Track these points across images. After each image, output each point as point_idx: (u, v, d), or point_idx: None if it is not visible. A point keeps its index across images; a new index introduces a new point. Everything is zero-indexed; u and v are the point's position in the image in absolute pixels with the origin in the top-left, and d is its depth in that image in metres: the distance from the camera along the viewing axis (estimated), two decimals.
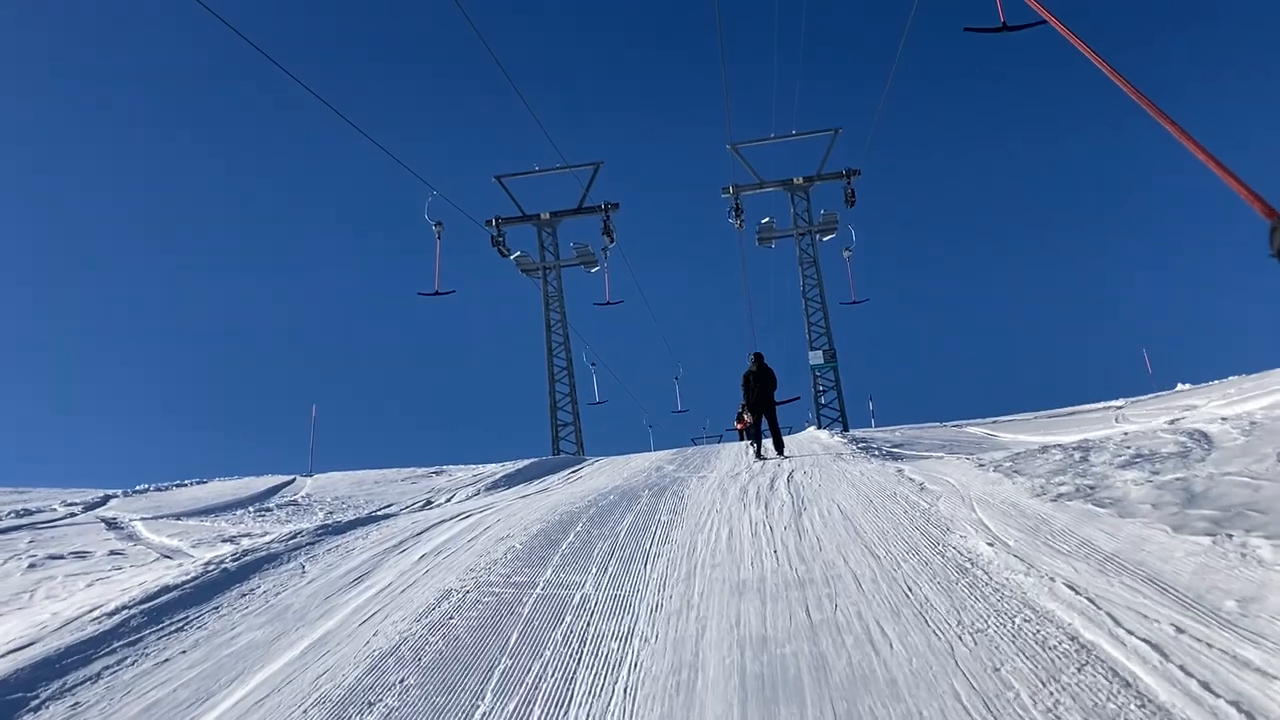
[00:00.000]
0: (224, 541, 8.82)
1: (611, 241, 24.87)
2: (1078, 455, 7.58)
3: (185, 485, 15.28)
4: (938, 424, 30.82)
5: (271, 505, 12.80)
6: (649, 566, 5.79)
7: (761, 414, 15.93)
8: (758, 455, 15.66)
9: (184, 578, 6.46)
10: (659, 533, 6.88)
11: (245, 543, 8.20)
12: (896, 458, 12.90)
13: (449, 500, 12.84)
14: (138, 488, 14.62)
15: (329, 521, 9.06)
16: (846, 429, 23.67)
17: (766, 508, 7.50)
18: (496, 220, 25.39)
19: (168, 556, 8.21)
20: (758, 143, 26.27)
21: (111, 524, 10.88)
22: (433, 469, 18.10)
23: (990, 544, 5.11)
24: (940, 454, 14.42)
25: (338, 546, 7.83)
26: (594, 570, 5.84)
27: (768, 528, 6.58)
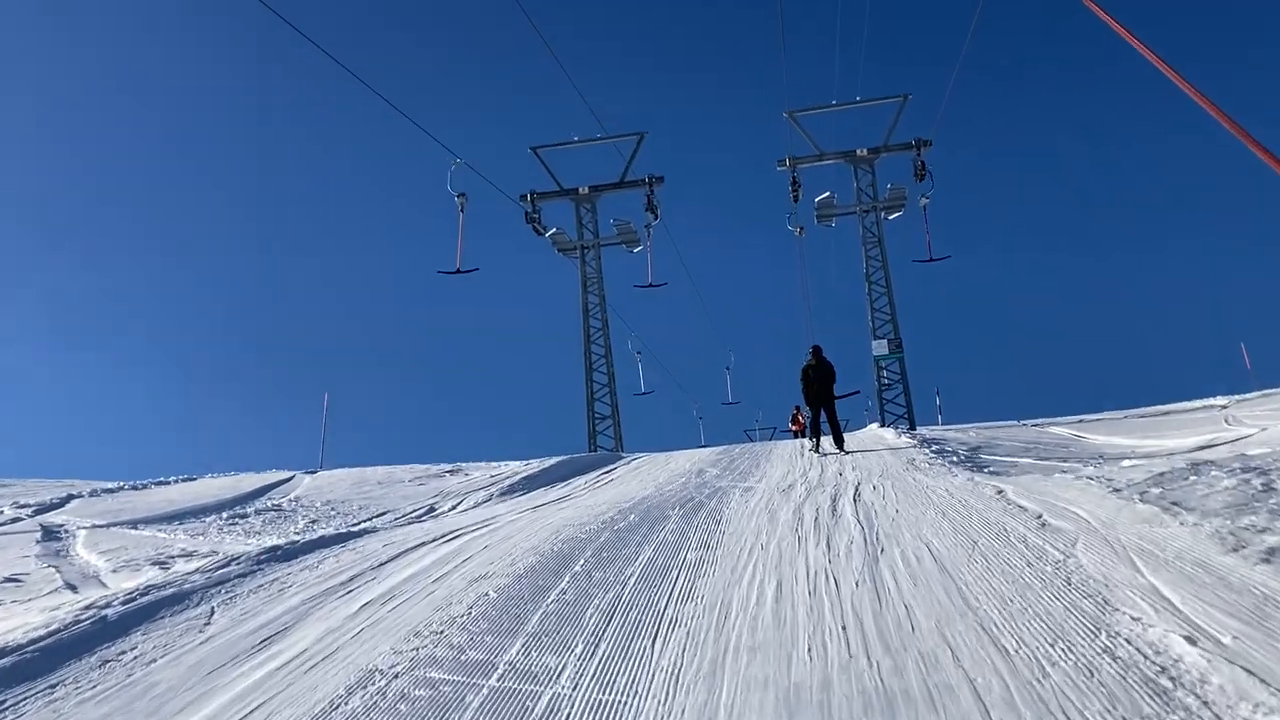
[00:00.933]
0: (155, 566, 7.29)
1: (655, 218, 23.13)
2: (1257, 481, 5.66)
3: (168, 483, 13.94)
4: (1012, 423, 28.65)
5: (250, 511, 11.32)
6: (658, 646, 4.06)
7: (820, 408, 15.82)
8: (816, 450, 15.27)
9: (40, 632, 4.88)
10: (681, 581, 5.15)
11: (165, 572, 6.64)
12: (981, 467, 10.99)
13: (453, 509, 11.24)
14: (110, 486, 13.29)
15: (282, 543, 7.49)
16: (913, 427, 21.67)
17: (829, 544, 5.71)
18: (532, 195, 23.78)
19: (71, 587, 6.69)
20: (818, 110, 24.30)
21: (51, 533, 9.46)
22: (449, 467, 16.56)
23: (1190, 639, 3.29)
24: (1027, 459, 12.53)
25: (274, 581, 6.23)
26: (579, 648, 4.12)
27: (831, 581, 4.80)
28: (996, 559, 4.83)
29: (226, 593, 5.89)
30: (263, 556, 6.90)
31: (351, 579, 6.15)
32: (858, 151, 23.17)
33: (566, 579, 5.44)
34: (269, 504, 12.02)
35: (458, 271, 18.53)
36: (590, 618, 4.56)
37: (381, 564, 6.62)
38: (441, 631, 4.59)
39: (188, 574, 6.26)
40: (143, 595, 5.65)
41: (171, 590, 5.84)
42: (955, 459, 12.19)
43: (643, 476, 13.66)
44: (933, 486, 8.22)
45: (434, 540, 7.59)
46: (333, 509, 11.64)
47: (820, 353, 16.18)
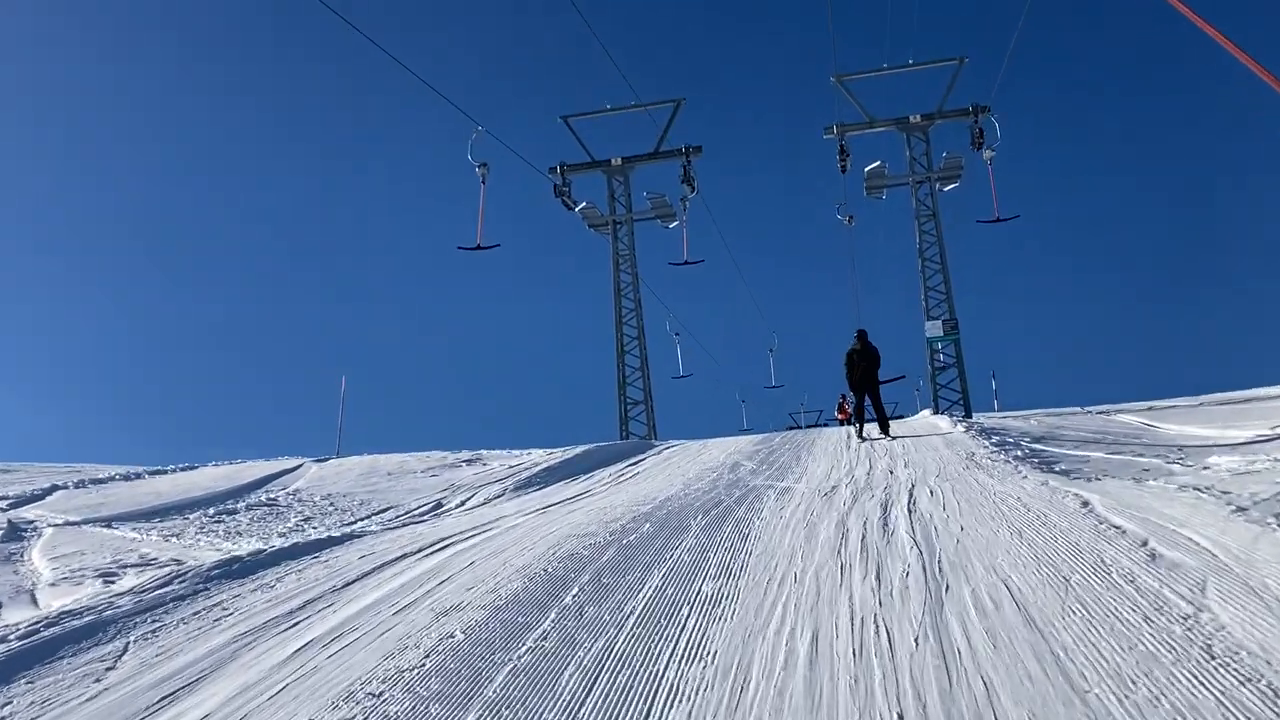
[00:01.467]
0: (100, 578, 6.43)
1: (693, 191, 21.98)
2: None
3: (164, 472, 13.23)
4: (1075, 409, 27.27)
5: (240, 506, 10.50)
6: None
7: (865, 393, 15.87)
8: (860, 435, 15.32)
9: None
10: (692, 625, 4.13)
11: (94, 592, 5.77)
12: (1051, 464, 9.82)
13: (460, 506, 10.33)
14: (101, 476, 12.59)
15: (244, 554, 6.60)
16: (969, 414, 20.40)
17: (879, 577, 4.65)
18: (561, 167, 22.77)
19: None
20: (868, 75, 22.90)
21: (16, 531, 8.69)
22: (468, 456, 15.70)
23: None
24: (1097, 452, 11.33)
25: (214, 607, 5.32)
26: None
27: (883, 634, 3.75)
28: (1100, 609, 3.74)
29: (152, 623, 4.99)
30: (214, 572, 6.01)
31: (304, 605, 5.22)
32: (911, 118, 21.82)
33: (551, 616, 4.45)
34: (264, 498, 11.20)
35: (478, 248, 17.59)
36: (568, 681, 3.56)
37: (347, 584, 5.69)
38: (380, 694, 3.62)
39: (116, 596, 5.38)
40: (49, 626, 4.77)
41: (88, 619, 4.95)
42: (1019, 453, 11.04)
43: (671, 470, 12.65)
44: (1001, 493, 7.10)
45: (418, 552, 6.65)
46: (331, 504, 10.79)
47: (865, 337, 16.18)
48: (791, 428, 69.24)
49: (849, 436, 16.26)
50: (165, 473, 13.41)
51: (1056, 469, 9.36)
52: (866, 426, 15.67)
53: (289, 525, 9.29)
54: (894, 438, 15.17)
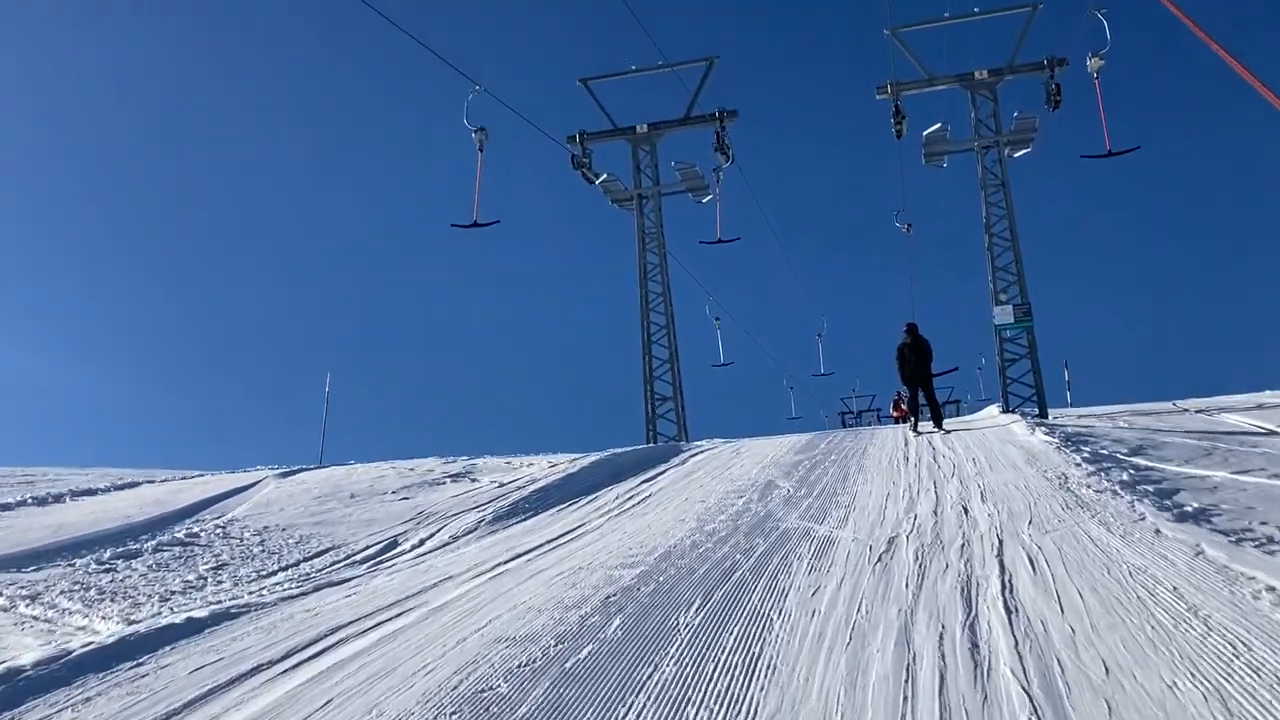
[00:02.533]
0: None
1: (727, 161, 19.77)
2: None
3: (93, 493, 11.45)
4: (1164, 405, 24.73)
5: (148, 547, 8.62)
6: None
7: (917, 388, 15.97)
8: (914, 430, 15.40)
9: None
10: None
11: None
12: (1173, 496, 7.60)
13: (414, 550, 8.36)
14: (7, 501, 10.82)
15: (26, 664, 4.66)
16: (1043, 413, 18.03)
17: None
18: (581, 135, 20.67)
19: None
20: (927, 25, 20.41)
21: None
22: (459, 468, 13.77)
23: None
24: (1220, 472, 9.11)
25: None
26: None
27: None
28: None
29: None
30: None
31: None
32: (976, 74, 19.34)
33: None
34: (184, 533, 9.32)
35: (474, 225, 15.56)
36: None
37: None
38: None
39: None
40: None
41: None
42: (1125, 476, 8.80)
43: (689, 493, 10.57)
44: (1137, 568, 4.93)
45: (284, 659, 4.66)
46: (262, 543, 8.87)
47: (916, 330, 15.98)
48: (844, 413, 66.56)
49: (906, 442, 14.07)
50: (95, 493, 11.64)
51: (1188, 509, 7.14)
52: (921, 423, 15.58)
53: (188, 579, 7.39)
54: (948, 432, 15.21)
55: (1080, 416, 17.94)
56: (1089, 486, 8.41)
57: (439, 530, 9.13)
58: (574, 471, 12.50)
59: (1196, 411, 17.41)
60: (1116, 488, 8.31)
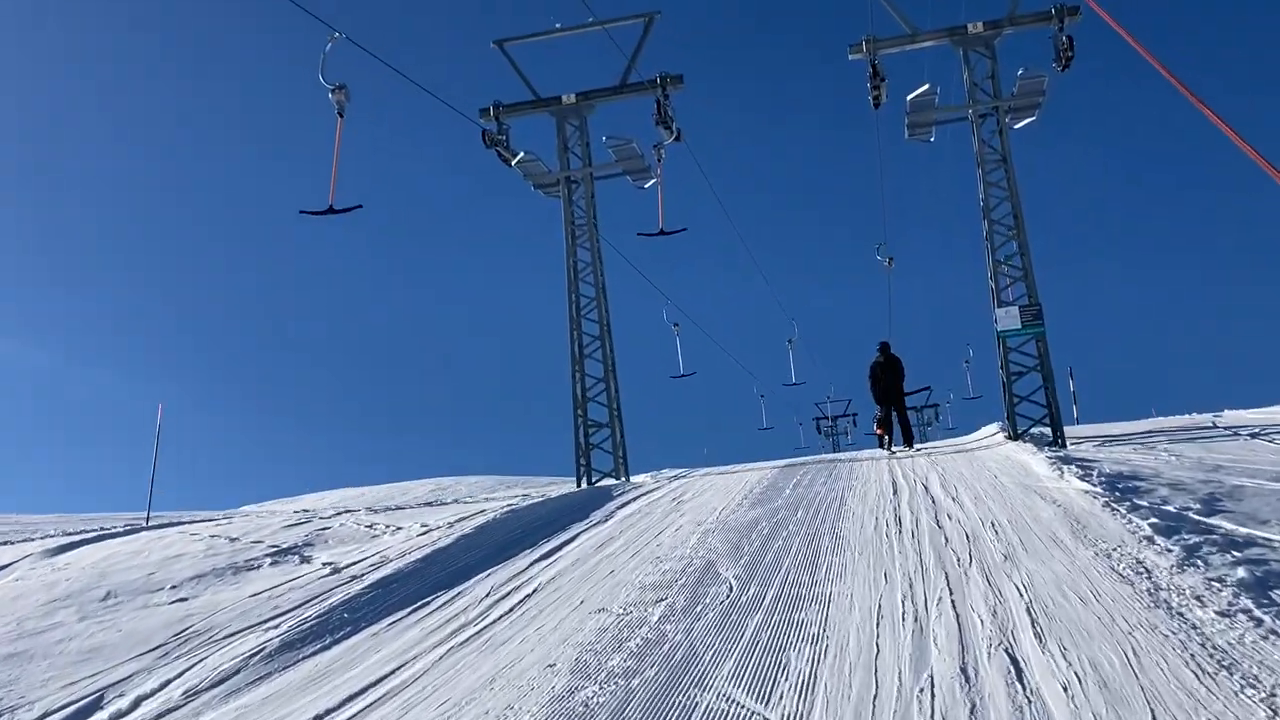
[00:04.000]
0: None
1: (672, 136, 16.73)
2: None
3: None
4: (1182, 417, 22.00)
5: None
6: None
7: (890, 406, 16.34)
8: (888, 449, 16.03)
9: None
10: None
11: None
12: None
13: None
14: None
15: None
16: (1060, 441, 15.12)
17: None
18: (496, 108, 17.55)
19: None
20: None
21: None
22: (294, 535, 10.60)
23: None
24: None
25: None
26: None
27: None
28: None
29: None
30: None
31: None
32: (969, 27, 16.44)
33: None
34: None
35: (330, 211, 12.38)
36: None
37: None
38: None
39: None
40: None
41: None
42: (1243, 575, 5.87)
43: (592, 587, 7.49)
44: None
45: None
46: None
47: (888, 349, 16.47)
48: (819, 419, 63.49)
49: (895, 488, 11.13)
50: None
51: None
52: (896, 447, 16.09)
53: None
54: (920, 451, 16.11)
55: (1103, 441, 15.09)
56: (1198, 597, 5.42)
57: (181, 674, 5.99)
58: (446, 544, 9.39)
59: (1249, 435, 14.60)
60: (1243, 597, 5.38)
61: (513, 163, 17.16)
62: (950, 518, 8.85)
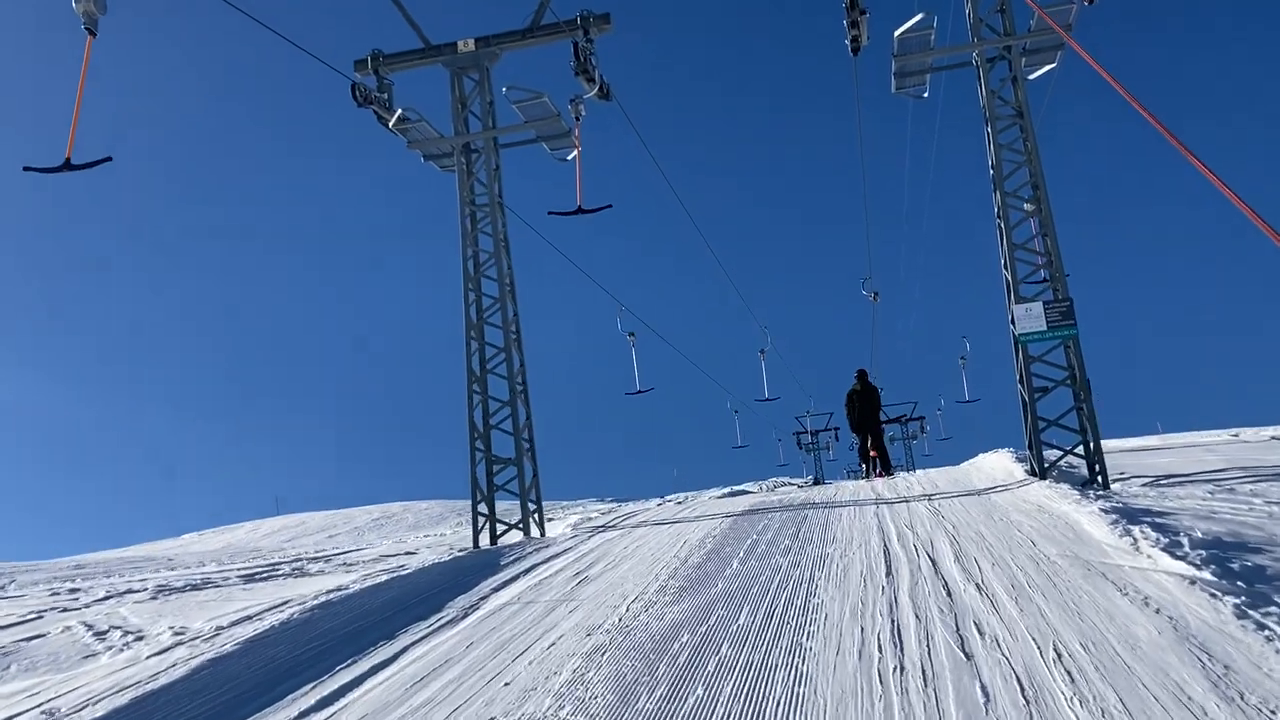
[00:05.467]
0: None
1: (594, 89, 13.37)
2: None
3: None
4: (1222, 432, 18.96)
5: None
6: None
7: (867, 434, 17.10)
8: (867, 477, 16.43)
9: None
10: None
11: None
12: None
13: None
14: None
15: None
16: (1102, 479, 11.82)
17: None
18: (374, 58, 14.17)
19: None
20: None
21: None
22: (104, 610, 7.16)
23: None
24: None
25: None
26: None
27: None
28: None
29: None
30: None
31: None
32: None
33: None
34: None
35: (67, 167, 8.98)
36: None
37: None
38: None
39: None
40: None
41: None
42: None
43: None
44: None
45: None
46: None
47: (865, 377, 17.17)
48: (799, 434, 59.77)
49: (889, 569, 7.78)
50: None
51: None
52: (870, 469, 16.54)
53: None
54: (892, 477, 16.35)
55: (1155, 481, 11.81)
56: None
57: None
58: (170, 681, 5.93)
59: None
60: None
61: (390, 123, 13.71)
62: (983, 634, 5.52)
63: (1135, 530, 7.58)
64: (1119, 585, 6.23)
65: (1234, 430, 18.71)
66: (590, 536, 11.90)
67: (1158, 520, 8.05)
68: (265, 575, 11.08)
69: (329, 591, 8.50)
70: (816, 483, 62.02)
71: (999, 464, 14.15)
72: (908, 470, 55.31)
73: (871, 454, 17.93)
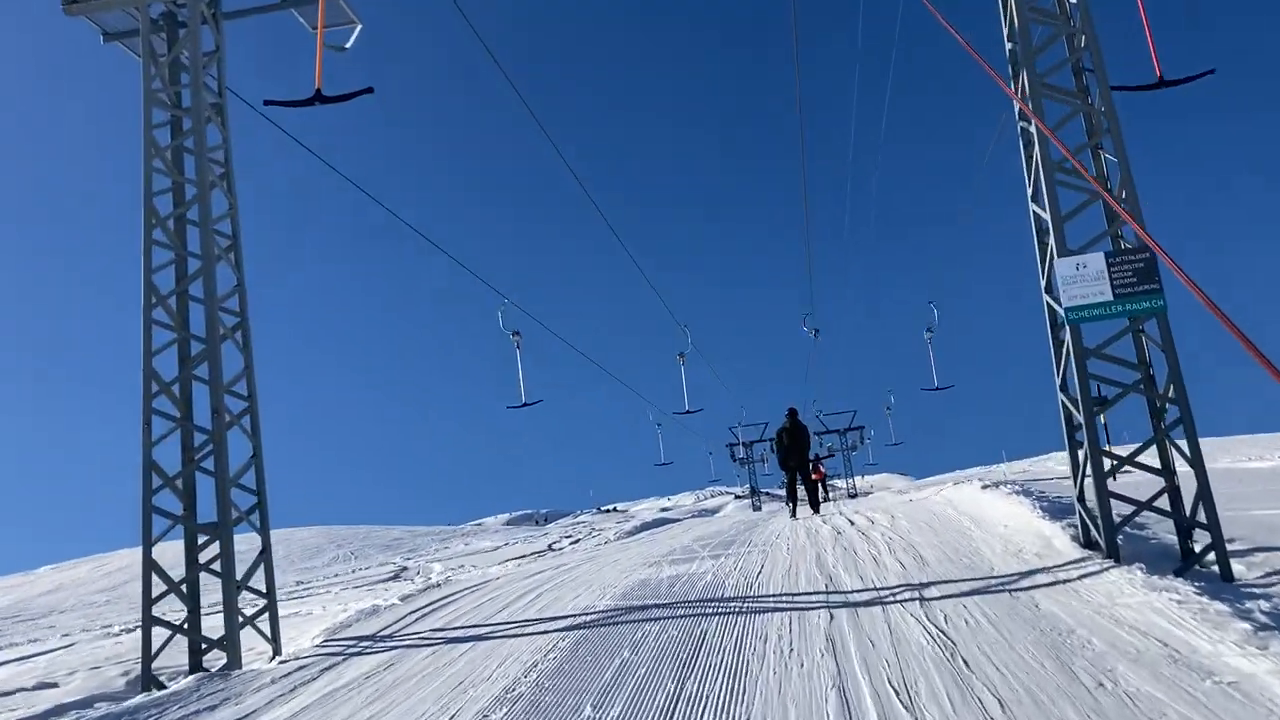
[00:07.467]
0: None
1: None
2: None
3: None
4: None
5: None
6: None
7: (795, 472, 17.53)
8: (794, 515, 16.64)
9: None
10: None
11: None
12: None
13: None
14: None
15: None
16: (1220, 560, 7.02)
17: None
18: None
19: None
20: None
21: None
22: None
23: None
24: None
25: None
26: None
27: None
28: None
29: None
30: None
31: None
32: None
33: None
34: None
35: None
36: None
37: None
38: None
39: None
40: None
41: None
42: None
43: None
44: None
45: None
46: None
47: (795, 415, 17.74)
48: (732, 445, 54.53)
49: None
50: None
51: None
52: (800, 505, 17.30)
53: None
54: (821, 510, 17.41)
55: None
56: None
57: None
58: None
59: None
60: None
61: None
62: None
63: None
64: None
65: None
66: (332, 668, 6.90)
67: None
68: None
69: None
70: (753, 492, 57.49)
71: (1017, 519, 9.29)
72: (847, 481, 51.32)
73: (819, 475, 19.74)
